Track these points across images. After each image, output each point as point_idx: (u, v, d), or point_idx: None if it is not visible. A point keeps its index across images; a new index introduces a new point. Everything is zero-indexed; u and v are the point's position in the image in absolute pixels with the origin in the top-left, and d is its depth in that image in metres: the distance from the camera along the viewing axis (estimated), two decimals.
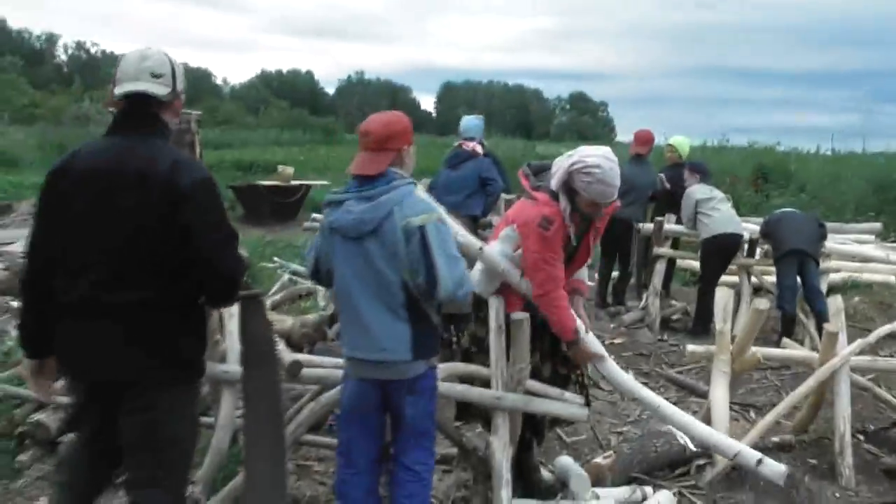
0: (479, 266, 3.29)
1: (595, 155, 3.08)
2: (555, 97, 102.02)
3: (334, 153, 28.51)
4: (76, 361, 2.35)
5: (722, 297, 4.20)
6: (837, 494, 3.69)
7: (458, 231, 3.24)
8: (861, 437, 4.37)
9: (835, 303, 4.20)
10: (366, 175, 2.62)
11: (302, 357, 3.50)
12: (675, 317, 6.85)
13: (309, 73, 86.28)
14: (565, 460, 3.83)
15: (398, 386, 2.67)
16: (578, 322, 3.24)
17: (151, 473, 2.37)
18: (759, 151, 21.11)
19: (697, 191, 6.60)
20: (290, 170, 15.29)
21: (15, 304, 4.91)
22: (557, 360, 3.43)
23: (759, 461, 3.19)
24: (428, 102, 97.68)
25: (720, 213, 6.38)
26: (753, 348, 4.14)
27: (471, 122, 6.63)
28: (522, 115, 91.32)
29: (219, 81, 79.13)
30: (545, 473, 3.71)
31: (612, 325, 6.71)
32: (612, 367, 3.35)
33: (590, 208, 3.16)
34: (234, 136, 33.97)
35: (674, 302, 7.27)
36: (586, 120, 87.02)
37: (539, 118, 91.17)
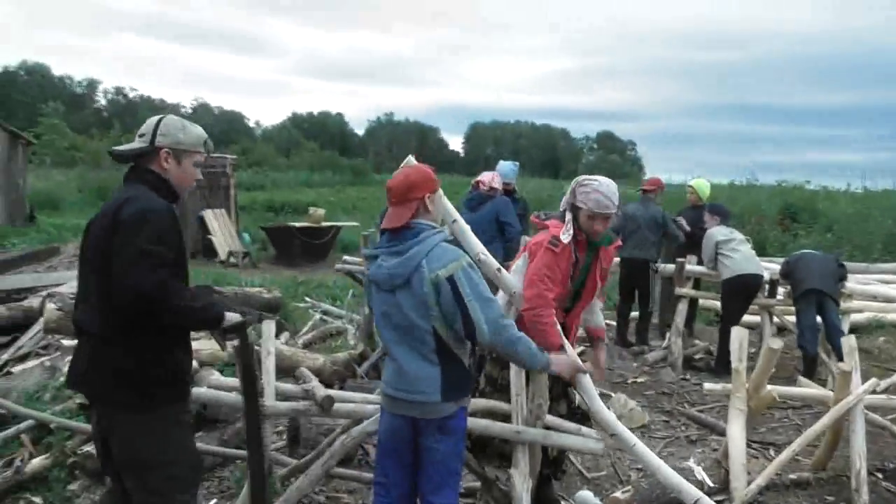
0: (500, 295, 3.48)
1: (595, 175, 3.54)
2: (582, 136, 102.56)
3: (364, 194, 28.98)
4: (70, 375, 2.70)
5: (738, 335, 4.32)
6: None
7: (480, 250, 3.48)
8: (879, 476, 4.44)
9: (848, 342, 4.30)
10: (394, 228, 2.81)
11: (333, 392, 3.70)
12: (697, 356, 6.94)
13: (339, 115, 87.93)
14: (585, 494, 3.97)
15: (428, 424, 2.80)
16: (566, 344, 3.37)
17: (144, 499, 2.59)
18: (786, 190, 21.10)
19: (717, 232, 6.76)
20: (321, 211, 15.71)
21: (66, 342, 5.21)
22: (573, 397, 3.61)
23: None
24: (456, 142, 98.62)
25: (740, 254, 6.53)
26: (769, 386, 4.25)
27: (507, 167, 6.91)
28: (550, 154, 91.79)
29: (251, 124, 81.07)
30: None
31: (635, 364, 6.83)
32: (588, 385, 3.37)
33: (589, 222, 3.43)
34: (265, 178, 34.77)
35: (697, 342, 7.38)
36: (614, 159, 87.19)
37: (567, 157, 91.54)
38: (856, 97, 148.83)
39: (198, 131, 2.75)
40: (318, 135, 71.74)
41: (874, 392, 4.35)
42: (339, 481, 4.14)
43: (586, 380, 3.34)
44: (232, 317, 2.66)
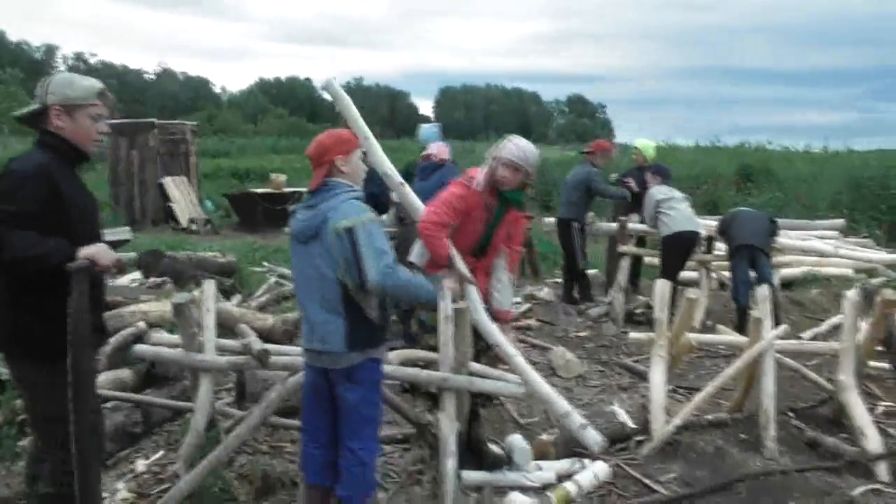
0: (419, 242, 3.90)
1: (516, 137, 4.06)
2: (553, 100, 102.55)
3: None
4: None
5: (660, 288, 4.58)
6: (760, 463, 4.07)
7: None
8: (791, 415, 4.75)
9: (761, 292, 4.58)
10: (312, 189, 3.08)
11: (270, 346, 3.89)
12: (638, 310, 7.22)
13: (307, 81, 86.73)
14: (514, 437, 4.22)
15: (337, 374, 3.01)
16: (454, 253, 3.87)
17: (41, 448, 2.76)
18: (747, 152, 21.51)
19: (658, 191, 7.01)
20: (282, 177, 15.73)
21: None
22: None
23: (583, 426, 3.74)
24: (426, 107, 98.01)
25: (677, 212, 6.79)
26: (688, 334, 4.53)
27: (427, 130, 7.06)
28: (521, 118, 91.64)
29: (217, 90, 79.81)
30: (497, 450, 4.10)
31: (578, 320, 7.11)
32: (474, 295, 3.88)
33: (500, 169, 3.88)
34: (231, 145, 34.37)
35: (640, 297, 7.66)
36: (585, 122, 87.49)
37: (538, 121, 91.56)
38: (826, 59, 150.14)
39: (87, 83, 2.76)
40: (286, 101, 70.88)
41: (787, 338, 4.64)
42: (283, 431, 4.34)
43: (473, 291, 3.76)
44: (78, 263, 2.53)
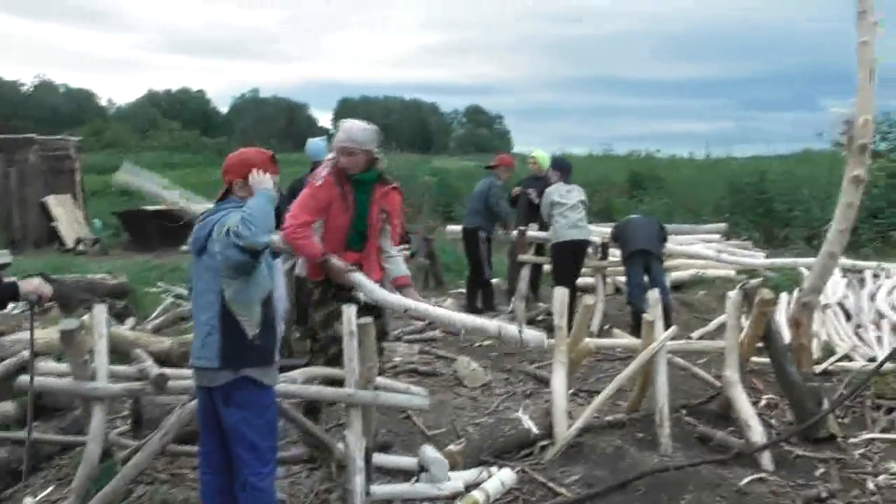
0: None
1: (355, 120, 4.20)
2: (452, 111, 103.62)
3: None
4: None
5: (559, 295, 4.73)
6: (656, 460, 4.26)
7: None
8: (684, 412, 5.00)
9: (652, 296, 4.81)
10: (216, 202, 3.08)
11: (168, 370, 3.76)
12: (539, 318, 7.42)
13: (200, 93, 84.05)
14: (427, 449, 4.24)
15: (217, 394, 2.92)
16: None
17: None
18: (637, 160, 22.48)
19: (555, 191, 7.17)
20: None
21: None
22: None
23: (520, 331, 3.80)
24: (326, 119, 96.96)
25: (566, 220, 6.99)
26: (586, 339, 4.70)
27: (314, 144, 6.98)
28: (421, 129, 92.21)
29: (104, 102, 76.11)
30: (410, 460, 4.09)
31: None
32: (362, 279, 3.85)
33: (350, 157, 3.98)
34: (121, 160, 32.79)
35: (540, 304, 7.87)
36: (484, 132, 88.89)
37: (438, 132, 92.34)
38: (702, 70, 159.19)
39: None
40: (178, 113, 68.42)
41: (678, 339, 4.89)
42: (184, 458, 4.19)
43: (358, 275, 3.80)
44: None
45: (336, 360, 3.95)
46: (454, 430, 4.79)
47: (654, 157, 23.76)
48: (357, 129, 4.05)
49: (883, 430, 4.71)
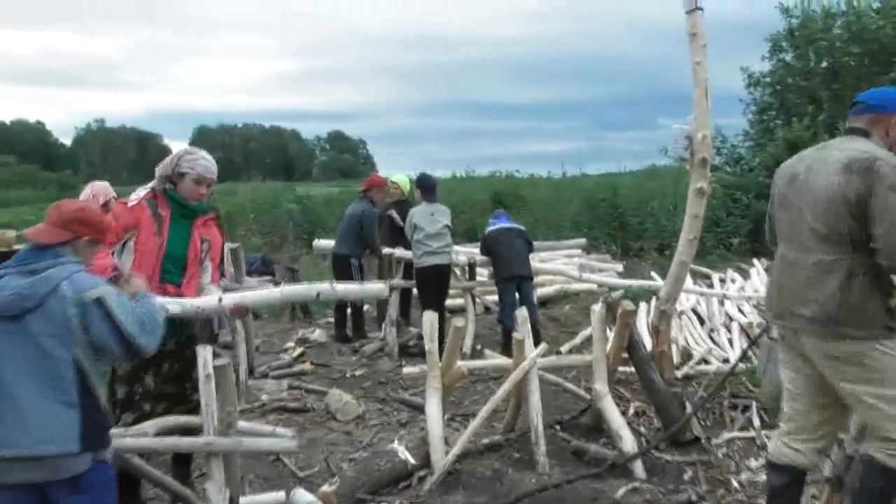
0: None
1: (196, 149, 3.83)
2: (314, 137, 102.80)
3: None
4: None
5: (428, 319, 4.64)
6: (534, 480, 4.23)
7: None
8: (558, 427, 5.04)
9: (520, 314, 4.81)
10: (40, 244, 2.58)
11: None
12: (412, 342, 7.31)
13: (39, 124, 78.55)
14: (298, 492, 3.98)
15: (60, 487, 2.40)
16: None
17: None
18: (498, 180, 23.09)
19: (417, 213, 7.07)
20: (10, 233, 13.85)
21: None
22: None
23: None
24: (180, 148, 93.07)
25: (424, 248, 6.94)
26: (459, 362, 4.63)
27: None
28: (283, 156, 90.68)
29: None
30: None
31: (353, 358, 7.01)
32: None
33: (196, 186, 3.62)
34: None
35: (412, 329, 7.77)
36: (347, 158, 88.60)
37: (300, 158, 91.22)
38: (553, 93, 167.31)
39: None
40: (13, 147, 63.34)
41: (546, 356, 4.92)
42: None
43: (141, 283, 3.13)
44: None
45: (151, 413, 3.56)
46: (328, 468, 4.57)
47: (514, 176, 24.50)
48: (211, 160, 3.75)
49: (741, 429, 4.95)
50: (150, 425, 3.47)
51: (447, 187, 21.17)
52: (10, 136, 70.69)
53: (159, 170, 3.68)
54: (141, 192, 3.64)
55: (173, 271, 3.55)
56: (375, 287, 3.62)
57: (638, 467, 4.27)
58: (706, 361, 6.49)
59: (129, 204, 3.58)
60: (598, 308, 4.77)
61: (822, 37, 13.99)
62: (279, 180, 41.16)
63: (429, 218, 7.06)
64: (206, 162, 3.67)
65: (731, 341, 6.84)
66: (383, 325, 7.39)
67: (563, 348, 7.16)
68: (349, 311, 7.72)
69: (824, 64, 14.52)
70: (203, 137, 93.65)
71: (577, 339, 7.31)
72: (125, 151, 74.56)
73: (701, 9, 5.39)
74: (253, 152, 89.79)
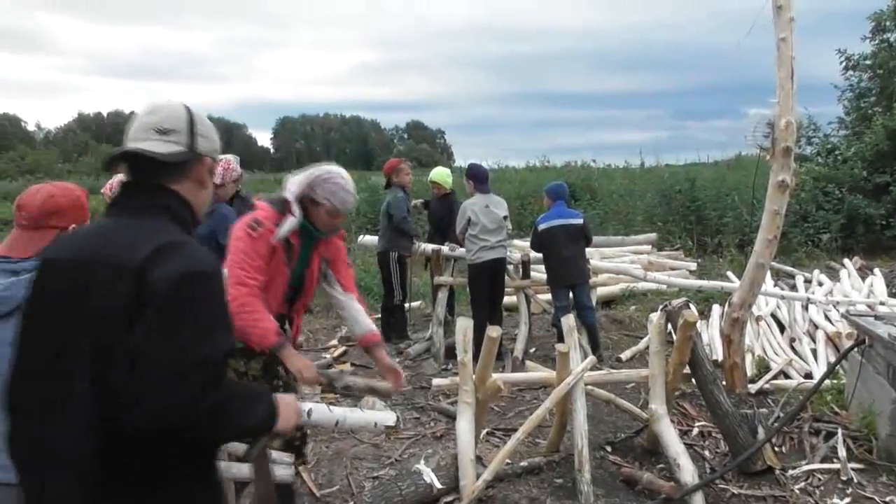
0: None
1: (335, 168, 3.18)
2: (392, 127, 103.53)
3: None
4: None
5: (462, 326, 4.16)
6: None
7: None
8: (609, 449, 4.50)
9: (567, 322, 4.29)
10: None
11: None
12: None
13: (133, 115, 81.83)
14: None
15: None
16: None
17: None
18: (573, 170, 22.30)
19: (469, 207, 6.48)
20: None
21: None
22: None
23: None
24: (264, 138, 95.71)
25: (481, 242, 6.37)
26: (494, 375, 4.14)
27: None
28: (361, 146, 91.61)
29: (31, 127, 73.19)
30: None
31: (397, 360, 6.62)
32: (319, 415, 2.85)
33: (327, 218, 3.14)
34: None
35: None
36: (425, 147, 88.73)
37: (379, 148, 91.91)
38: (631, 83, 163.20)
39: None
40: (111, 137, 66.17)
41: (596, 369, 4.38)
42: None
43: (316, 412, 2.78)
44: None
45: None
46: (349, 486, 4.19)
47: (589, 166, 23.62)
48: (350, 189, 3.16)
49: (823, 460, 4.28)
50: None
51: (519, 178, 20.54)
52: (106, 126, 74.08)
53: (293, 188, 3.10)
54: (290, 227, 3.07)
55: (287, 294, 3.24)
56: (382, 414, 3.13)
57: (698, 500, 3.71)
58: (785, 375, 5.78)
59: (280, 233, 3.04)
60: (655, 317, 4.20)
61: None
62: (358, 169, 41.39)
63: (484, 210, 6.46)
64: (344, 195, 3.12)
65: (814, 353, 6.07)
66: (430, 325, 6.97)
67: (625, 355, 6.58)
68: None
69: None
70: (285, 128, 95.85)
71: (641, 345, 6.69)
72: None
73: None
74: (333, 142, 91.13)
